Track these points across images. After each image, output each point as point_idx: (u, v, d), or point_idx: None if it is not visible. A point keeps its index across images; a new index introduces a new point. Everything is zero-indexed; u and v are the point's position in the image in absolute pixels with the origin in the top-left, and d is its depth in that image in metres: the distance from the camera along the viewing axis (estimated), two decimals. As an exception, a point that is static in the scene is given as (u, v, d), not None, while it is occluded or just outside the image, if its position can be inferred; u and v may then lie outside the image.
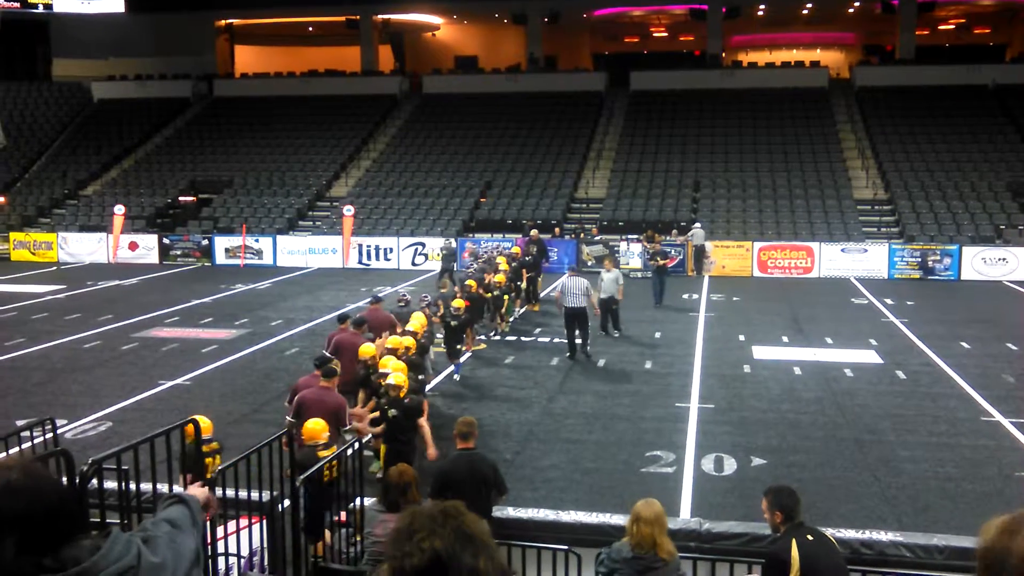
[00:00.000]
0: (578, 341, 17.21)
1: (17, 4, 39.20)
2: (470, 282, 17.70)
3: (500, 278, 19.01)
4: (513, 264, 21.41)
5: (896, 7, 40.67)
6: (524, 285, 21.86)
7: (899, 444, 12.02)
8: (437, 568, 1.80)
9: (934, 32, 45.97)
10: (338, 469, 7.18)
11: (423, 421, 9.88)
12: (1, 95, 45.08)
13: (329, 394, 9.69)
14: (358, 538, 6.92)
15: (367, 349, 11.52)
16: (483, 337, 18.71)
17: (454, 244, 27.81)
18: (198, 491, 2.78)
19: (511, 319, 20.25)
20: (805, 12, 44.53)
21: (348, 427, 9.71)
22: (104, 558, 2.14)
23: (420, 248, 30.46)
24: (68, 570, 2.10)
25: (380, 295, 16.57)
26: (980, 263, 27.59)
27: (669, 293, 22.91)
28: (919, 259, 27.94)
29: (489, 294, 18.55)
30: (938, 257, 27.85)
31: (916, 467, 11.17)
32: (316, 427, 8.50)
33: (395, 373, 10.15)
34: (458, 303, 15.56)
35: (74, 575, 2.10)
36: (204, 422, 8.44)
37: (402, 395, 9.79)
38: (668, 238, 28.76)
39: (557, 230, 30.43)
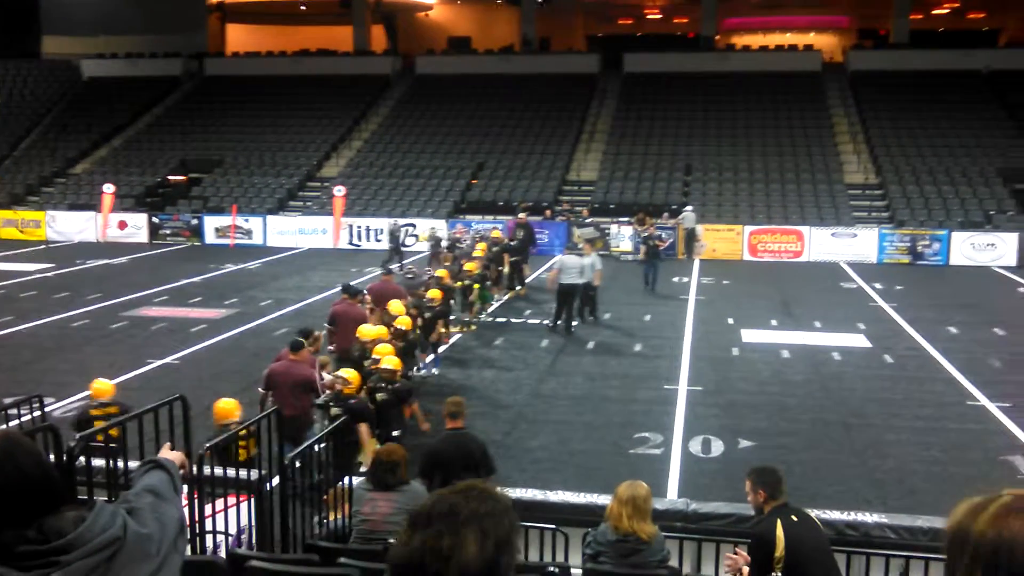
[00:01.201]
0: (573, 319, 17.93)
1: (6, -20, 38.92)
2: (440, 272, 16.50)
3: (471, 266, 17.97)
4: (494, 249, 20.66)
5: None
6: (507, 270, 21.04)
7: (885, 427, 12.11)
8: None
9: (928, 16, 45.92)
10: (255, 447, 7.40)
11: (363, 427, 9.36)
12: (-11, 72, 44.72)
13: (296, 367, 10.02)
14: (332, 516, 6.95)
15: (366, 332, 11.69)
16: (468, 318, 18.71)
17: (400, 223, 27.70)
18: (172, 454, 2.77)
19: (488, 308, 19.40)
20: (799, -5, 44.48)
21: (323, 396, 9.81)
22: (89, 529, 2.12)
23: (411, 229, 30.38)
24: (52, 542, 2.07)
25: (392, 268, 17.97)
26: (969, 248, 27.67)
27: (660, 277, 22.79)
28: (908, 244, 28.02)
29: (460, 283, 17.45)
30: (927, 242, 27.92)
31: (902, 450, 11.26)
32: (225, 407, 8.66)
33: (348, 369, 10.03)
34: (432, 293, 14.75)
35: (58, 547, 2.07)
36: (101, 385, 9.40)
37: (346, 391, 9.47)
38: (659, 221, 28.76)
39: (548, 212, 30.40)
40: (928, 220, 29.04)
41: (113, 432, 8.14)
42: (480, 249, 19.82)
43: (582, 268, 17.85)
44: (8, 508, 2.08)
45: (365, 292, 14.84)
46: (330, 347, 13.04)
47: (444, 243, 25.04)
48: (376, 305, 14.04)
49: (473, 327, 18.15)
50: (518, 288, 21.79)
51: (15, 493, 2.09)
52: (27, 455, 2.15)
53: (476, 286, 18.04)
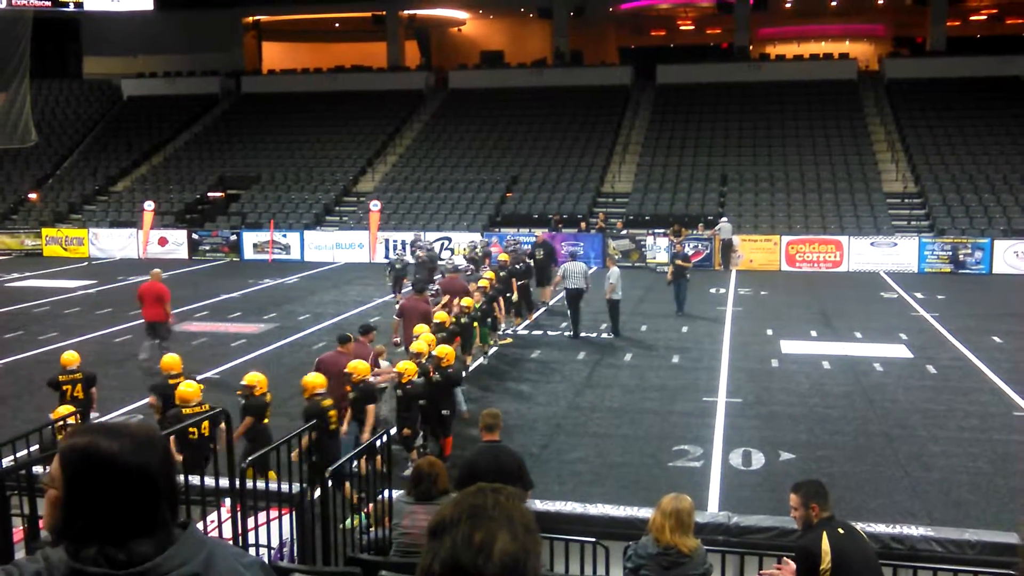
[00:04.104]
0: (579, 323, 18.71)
1: (49, 3, 39.69)
2: (440, 316, 14.17)
3: (469, 302, 15.40)
4: (502, 274, 18.41)
5: (927, -2, 40.21)
6: (515, 297, 18.89)
7: (930, 439, 11.92)
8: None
9: (965, 23, 45.38)
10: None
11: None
12: (33, 93, 45.50)
13: (343, 357, 11.38)
14: (373, 528, 6.97)
15: (442, 315, 13.42)
16: (511, 331, 18.72)
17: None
18: None
19: (490, 349, 16.92)
20: (834, 3, 44.15)
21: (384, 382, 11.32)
22: (169, 560, 1.90)
23: (447, 243, 30.51)
24: (134, 567, 1.87)
25: (459, 267, 19.51)
26: (1012, 256, 27.23)
27: (697, 289, 22.55)
28: (950, 253, 27.64)
29: (461, 320, 15.00)
30: (969, 250, 27.52)
31: (947, 462, 11.07)
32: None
33: (405, 362, 11.21)
34: (421, 332, 12.70)
35: (134, 575, 1.87)
36: (69, 356, 11.72)
37: (404, 380, 10.81)
38: (695, 232, 28.63)
39: (583, 224, 30.39)
40: (969, 228, 28.63)
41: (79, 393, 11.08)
42: (486, 279, 17.26)
43: (585, 274, 18.60)
44: (104, 520, 1.88)
45: (437, 287, 16.74)
46: (395, 339, 14.72)
47: (414, 260, 23.14)
48: (445, 296, 16.42)
49: (508, 339, 18.13)
50: (524, 317, 19.84)
51: (116, 507, 1.88)
52: (151, 465, 1.94)
53: (476, 325, 15.48)
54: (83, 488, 1.89)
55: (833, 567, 5.25)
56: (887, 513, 9.19)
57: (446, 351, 11.70)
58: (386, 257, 30.90)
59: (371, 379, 11.11)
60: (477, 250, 23.94)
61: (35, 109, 42.72)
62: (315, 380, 9.98)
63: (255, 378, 10.37)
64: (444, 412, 11.30)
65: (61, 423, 9.15)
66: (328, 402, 9.84)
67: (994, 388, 14.40)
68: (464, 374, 14.98)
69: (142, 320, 16.94)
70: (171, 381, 10.78)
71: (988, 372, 15.30)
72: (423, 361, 11.47)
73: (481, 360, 16.25)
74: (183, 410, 9.54)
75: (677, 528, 5.69)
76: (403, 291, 21.15)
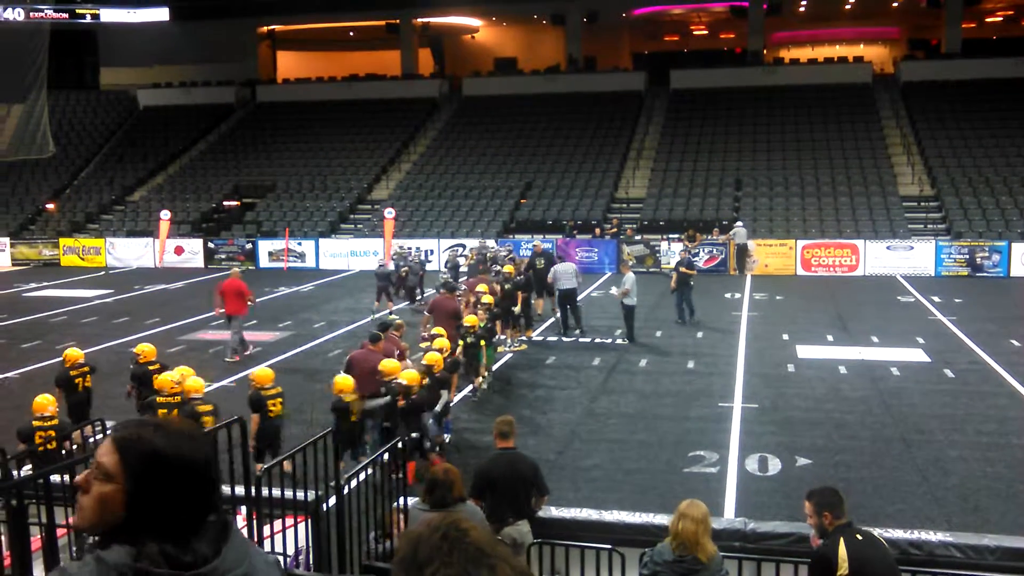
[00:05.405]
0: (581, 320, 19.32)
1: (66, 15, 40.12)
2: (431, 358, 12.13)
3: (473, 320, 14.73)
4: (507, 287, 17.79)
5: (942, 0, 40.00)
6: (518, 309, 18.09)
7: (948, 444, 11.83)
8: None
9: (981, 25, 45.12)
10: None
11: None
12: (50, 104, 45.97)
13: (372, 355, 11.75)
14: (388, 541, 6.97)
15: (432, 356, 12.78)
16: (524, 337, 18.71)
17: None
18: None
19: (493, 367, 15.70)
20: (848, 7, 43.99)
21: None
22: (224, 561, 1.88)
23: (461, 250, 30.50)
24: (198, 568, 1.83)
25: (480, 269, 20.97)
26: (1030, 259, 27.06)
27: (712, 294, 22.54)
28: (967, 256, 27.45)
29: (462, 342, 14.25)
30: (986, 254, 27.33)
31: (965, 467, 10.99)
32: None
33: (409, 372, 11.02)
34: (430, 357, 11.75)
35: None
36: (74, 352, 12.04)
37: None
38: (710, 237, 28.56)
39: (597, 231, 30.37)
40: (987, 231, 28.45)
41: (88, 383, 11.66)
42: (486, 295, 16.20)
43: (576, 273, 19.29)
44: (178, 510, 1.85)
45: (464, 287, 17.43)
46: (423, 334, 14.65)
47: (402, 267, 22.60)
48: (470, 295, 16.88)
49: (523, 345, 18.13)
50: (524, 334, 18.77)
51: (166, 504, 1.86)
52: (196, 461, 1.92)
53: (483, 343, 14.60)
54: (149, 484, 1.85)
55: (851, 573, 5.22)
56: (905, 518, 9.13)
57: (413, 377, 10.73)
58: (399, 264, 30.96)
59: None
60: (462, 256, 23.83)
61: (52, 120, 43.10)
62: (194, 384, 10.27)
63: (142, 348, 11.38)
64: (413, 435, 10.30)
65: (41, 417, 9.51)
66: (205, 408, 9.94)
67: (1012, 392, 14.29)
68: (477, 396, 14.31)
69: (218, 312, 18.35)
70: (149, 368, 11.40)
71: (1007, 376, 15.18)
72: (391, 383, 10.81)
73: (484, 385, 14.80)
74: (157, 398, 10.07)
75: (706, 534, 5.70)
76: (381, 300, 22.02)
